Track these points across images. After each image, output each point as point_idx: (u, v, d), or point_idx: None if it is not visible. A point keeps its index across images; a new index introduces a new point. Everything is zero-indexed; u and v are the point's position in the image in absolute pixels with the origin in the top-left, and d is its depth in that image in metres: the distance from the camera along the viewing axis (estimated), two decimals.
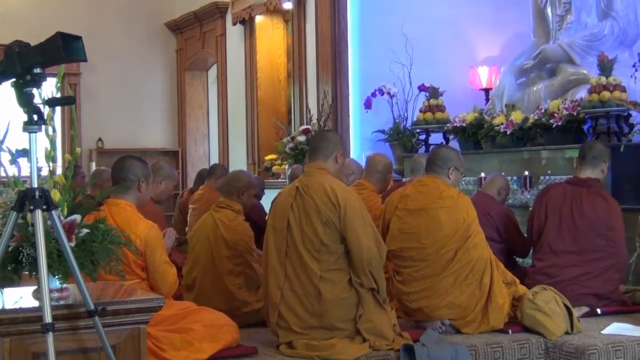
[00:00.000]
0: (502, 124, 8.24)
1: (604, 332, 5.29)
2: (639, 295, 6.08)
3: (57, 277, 3.41)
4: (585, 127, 7.65)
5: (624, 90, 7.41)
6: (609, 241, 5.89)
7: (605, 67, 7.55)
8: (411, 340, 4.92)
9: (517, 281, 5.59)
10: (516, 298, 5.44)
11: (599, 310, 5.75)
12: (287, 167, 10.30)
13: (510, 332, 5.30)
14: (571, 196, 5.97)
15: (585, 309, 5.69)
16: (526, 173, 7.74)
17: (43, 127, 3.24)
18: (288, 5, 11.00)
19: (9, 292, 3.51)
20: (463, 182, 7.60)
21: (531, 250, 6.25)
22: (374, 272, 4.90)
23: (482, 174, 7.97)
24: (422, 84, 9.45)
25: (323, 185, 4.93)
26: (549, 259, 5.89)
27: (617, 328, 5.35)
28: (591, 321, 5.54)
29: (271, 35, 11.94)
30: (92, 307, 3.19)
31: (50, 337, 3.00)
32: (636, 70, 7.31)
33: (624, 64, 7.75)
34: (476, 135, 8.67)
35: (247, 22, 12.03)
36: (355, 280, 4.89)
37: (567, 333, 5.26)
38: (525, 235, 6.43)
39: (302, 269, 4.89)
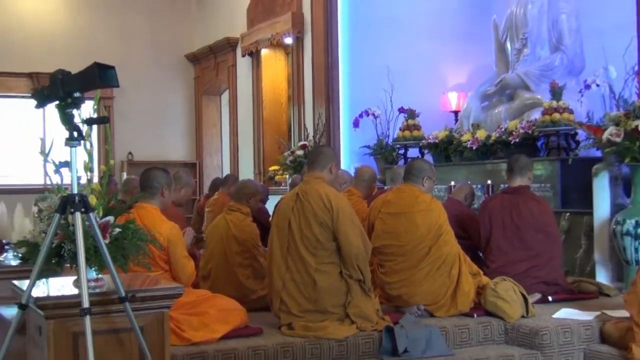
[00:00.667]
0: (468, 140, 8.26)
1: (555, 316, 5.30)
2: (584, 285, 6.08)
3: (93, 268, 3.41)
4: (538, 144, 7.67)
5: (571, 112, 7.44)
6: (547, 235, 5.91)
7: (556, 92, 7.58)
8: (392, 323, 4.92)
9: (481, 272, 5.59)
10: (480, 287, 5.44)
11: (550, 298, 5.76)
12: (287, 176, 10.29)
13: (475, 315, 5.30)
14: (509, 203, 5.98)
15: (537, 296, 5.69)
16: (489, 182, 7.74)
17: (82, 142, 3.24)
18: (289, 41, 11.02)
19: (53, 281, 3.51)
20: (435, 189, 7.59)
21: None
22: (360, 266, 4.90)
23: (452, 183, 7.98)
24: (402, 107, 9.46)
25: (319, 192, 4.94)
26: (500, 259, 5.88)
27: (565, 313, 5.36)
28: (543, 307, 5.54)
29: (274, 65, 11.93)
30: (123, 294, 3.19)
31: (87, 319, 3.00)
32: (582, 96, 7.33)
33: (571, 90, 7.76)
34: (447, 150, 8.68)
35: (254, 55, 12.03)
36: (345, 272, 4.89)
37: (523, 317, 5.26)
38: None
39: (301, 262, 4.90)
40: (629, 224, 6.00)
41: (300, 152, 10.03)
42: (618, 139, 6.01)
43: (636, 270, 5.37)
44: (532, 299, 5.49)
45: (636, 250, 5.96)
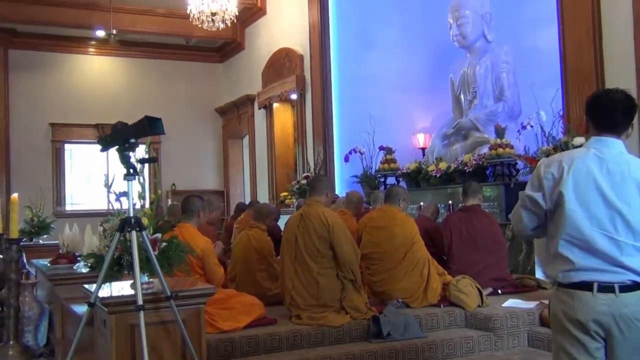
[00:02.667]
0: (433, 170, 8.27)
1: (504, 305, 5.28)
2: (526, 280, 6.06)
3: (145, 274, 3.39)
4: (487, 172, 7.68)
5: (512, 147, 7.45)
6: (495, 242, 5.91)
7: (500, 132, 7.60)
8: (377, 313, 4.90)
9: (446, 272, 5.57)
10: (445, 283, 5.43)
11: (499, 291, 5.73)
12: (295, 200, 10.28)
13: (441, 306, 5.28)
14: (465, 219, 5.99)
15: (490, 290, 5.67)
16: (450, 202, 7.74)
17: (136, 177, 3.25)
18: (294, 96, 11.08)
19: (115, 284, 3.49)
20: (409, 208, 7.58)
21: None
22: (352, 269, 4.89)
23: (421, 203, 7.98)
24: (382, 145, 9.48)
25: (318, 212, 4.94)
26: (459, 262, 5.86)
27: (512, 302, 5.34)
28: (495, 299, 5.53)
29: (283, 115, 11.98)
30: (169, 294, 3.17)
31: (141, 314, 2.99)
32: (520, 134, 7.35)
33: (512, 130, 7.78)
34: (417, 178, 8.69)
35: (267, 107, 12.10)
36: (340, 274, 4.88)
37: (479, 306, 5.24)
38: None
39: (306, 267, 4.89)
40: None
41: (304, 182, 10.04)
42: None
43: None
44: (485, 292, 5.47)
45: None
